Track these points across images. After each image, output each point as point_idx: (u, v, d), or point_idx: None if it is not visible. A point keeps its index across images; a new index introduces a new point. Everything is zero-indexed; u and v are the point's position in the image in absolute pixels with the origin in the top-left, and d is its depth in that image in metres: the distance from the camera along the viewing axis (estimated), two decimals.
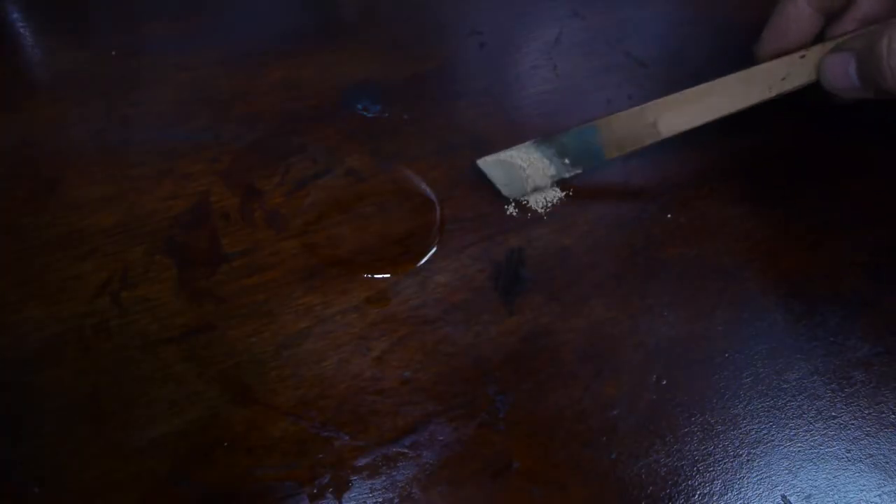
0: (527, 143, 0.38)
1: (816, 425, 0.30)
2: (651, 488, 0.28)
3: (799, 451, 0.30)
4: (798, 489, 0.29)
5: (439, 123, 0.42)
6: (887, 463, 0.29)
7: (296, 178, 0.39)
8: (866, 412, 0.31)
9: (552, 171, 0.38)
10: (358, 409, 0.30)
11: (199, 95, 0.44)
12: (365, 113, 0.43)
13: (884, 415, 0.31)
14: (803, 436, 0.30)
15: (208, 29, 0.49)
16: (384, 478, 0.28)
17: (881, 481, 0.29)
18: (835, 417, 0.31)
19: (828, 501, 0.28)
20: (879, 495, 0.29)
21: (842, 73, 0.27)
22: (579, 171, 0.38)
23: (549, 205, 0.38)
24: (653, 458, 0.29)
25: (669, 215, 0.37)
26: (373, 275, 0.35)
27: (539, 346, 0.32)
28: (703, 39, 0.48)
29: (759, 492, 0.28)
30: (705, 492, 0.28)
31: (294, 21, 0.50)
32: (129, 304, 0.33)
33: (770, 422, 0.30)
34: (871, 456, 0.30)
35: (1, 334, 0.32)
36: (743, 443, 0.30)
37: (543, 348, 0.32)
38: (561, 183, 0.39)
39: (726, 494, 0.28)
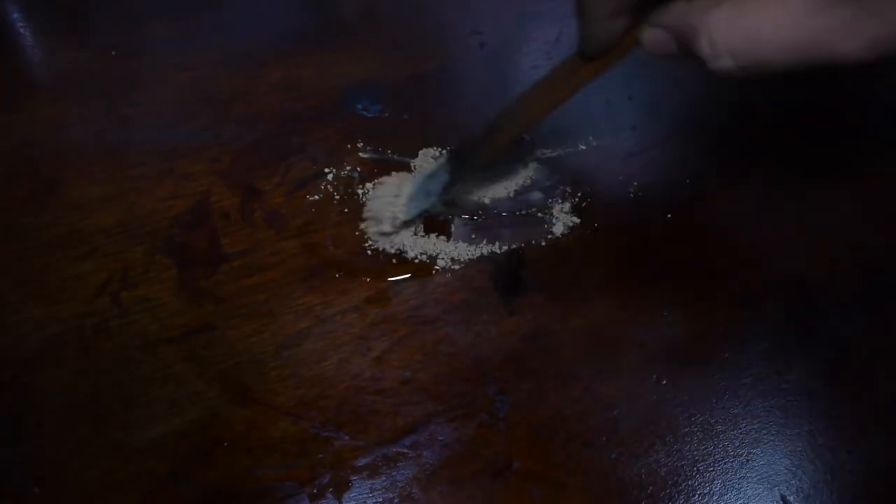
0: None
1: (816, 425, 0.30)
2: (651, 488, 0.28)
3: (799, 451, 0.30)
4: (798, 489, 0.29)
5: (439, 123, 0.42)
6: (887, 463, 0.29)
7: (296, 178, 0.39)
8: (866, 412, 0.31)
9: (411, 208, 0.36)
10: (358, 409, 0.30)
11: (199, 95, 0.44)
12: (365, 113, 0.43)
13: (884, 415, 0.31)
14: (803, 436, 0.30)
15: (208, 29, 0.49)
16: (384, 478, 0.28)
17: (881, 482, 0.29)
18: (835, 417, 0.31)
19: (827, 501, 0.28)
20: (879, 496, 0.29)
21: (663, 48, 0.27)
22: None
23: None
24: (653, 458, 0.29)
25: (669, 215, 0.37)
26: (373, 276, 0.35)
27: (539, 346, 0.32)
28: None
29: (758, 491, 0.28)
30: (705, 492, 0.28)
31: (294, 21, 0.50)
32: (129, 304, 0.33)
33: (770, 422, 0.30)
34: (871, 456, 0.30)
35: (1, 334, 0.32)
36: (743, 443, 0.30)
37: (543, 348, 0.32)
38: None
39: (726, 494, 0.28)
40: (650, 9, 0.26)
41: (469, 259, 0.35)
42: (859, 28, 0.21)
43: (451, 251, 0.35)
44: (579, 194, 0.38)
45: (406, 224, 0.36)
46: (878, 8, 0.20)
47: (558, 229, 0.37)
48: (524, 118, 0.33)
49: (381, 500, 0.28)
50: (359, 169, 0.39)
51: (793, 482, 0.29)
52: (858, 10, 0.20)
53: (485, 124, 0.34)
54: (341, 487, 0.28)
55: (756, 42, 0.22)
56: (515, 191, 0.38)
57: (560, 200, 0.38)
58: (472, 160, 0.35)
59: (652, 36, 0.26)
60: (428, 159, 0.40)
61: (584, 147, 0.41)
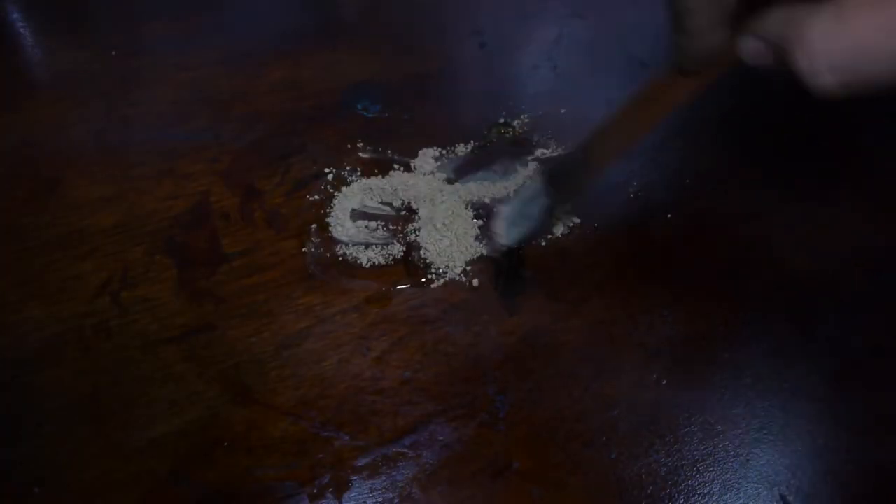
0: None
1: (816, 425, 0.30)
2: (651, 488, 0.28)
3: (799, 451, 0.30)
4: (798, 489, 0.29)
5: (439, 123, 0.42)
6: (887, 463, 0.29)
7: (296, 178, 0.39)
8: (866, 412, 0.31)
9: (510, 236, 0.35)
10: (358, 409, 0.30)
11: (199, 95, 0.44)
12: (365, 113, 0.43)
13: (884, 415, 0.31)
14: (803, 436, 0.30)
15: (208, 29, 0.49)
16: (384, 478, 0.28)
17: (881, 481, 0.29)
18: (835, 417, 0.30)
19: (827, 501, 0.28)
20: (879, 496, 0.29)
21: (763, 59, 0.25)
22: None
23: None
24: (653, 458, 0.29)
25: (669, 215, 0.37)
26: (373, 277, 0.35)
27: (539, 346, 0.32)
28: None
29: (758, 491, 0.28)
30: (705, 492, 0.28)
31: (294, 21, 0.50)
32: (129, 304, 0.33)
33: (770, 422, 0.30)
34: (871, 456, 0.30)
35: (1, 334, 0.32)
36: (743, 443, 0.30)
37: (543, 348, 0.32)
38: None
39: (726, 494, 0.28)
40: (749, 17, 0.24)
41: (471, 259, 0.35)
42: None
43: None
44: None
45: (508, 249, 0.35)
46: None
47: (558, 229, 0.37)
48: (622, 139, 0.31)
49: (381, 500, 0.28)
50: (359, 169, 0.39)
51: (793, 482, 0.29)
52: None
53: (581, 147, 0.33)
54: (341, 487, 0.28)
55: (860, 54, 0.20)
56: (516, 191, 0.38)
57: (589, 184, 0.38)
58: (570, 184, 0.34)
59: (751, 47, 0.24)
60: (428, 159, 0.40)
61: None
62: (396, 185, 0.38)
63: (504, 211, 0.35)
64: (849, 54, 0.20)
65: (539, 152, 0.40)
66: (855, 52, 0.20)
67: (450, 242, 0.35)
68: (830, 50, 0.21)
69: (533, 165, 0.40)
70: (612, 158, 0.32)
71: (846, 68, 0.21)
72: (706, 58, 0.26)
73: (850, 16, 0.20)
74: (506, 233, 0.34)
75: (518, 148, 0.41)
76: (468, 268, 0.35)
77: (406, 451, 0.29)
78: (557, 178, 0.33)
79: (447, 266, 0.35)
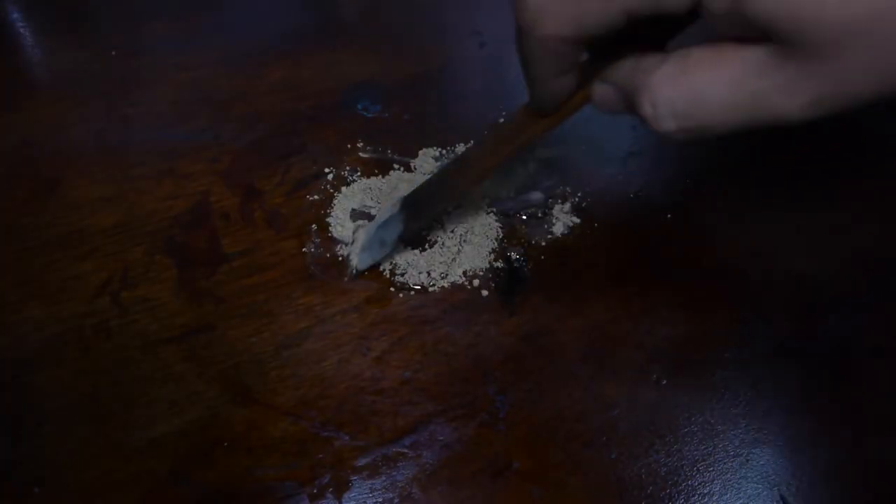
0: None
1: (816, 425, 0.30)
2: (651, 488, 0.28)
3: (799, 451, 0.30)
4: (798, 489, 0.29)
5: (439, 123, 0.42)
6: (887, 463, 0.29)
7: (296, 178, 0.39)
8: (866, 412, 0.31)
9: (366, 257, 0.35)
10: (358, 409, 0.30)
11: (199, 95, 0.44)
12: (365, 113, 0.43)
13: (884, 415, 0.31)
14: (803, 436, 0.30)
15: (208, 29, 0.49)
16: (384, 478, 0.28)
17: (881, 482, 0.29)
18: (835, 417, 0.31)
19: (827, 501, 0.28)
20: (879, 496, 0.29)
21: (613, 105, 0.26)
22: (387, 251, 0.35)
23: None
24: (653, 458, 0.29)
25: (669, 215, 0.37)
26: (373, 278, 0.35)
27: (539, 346, 0.32)
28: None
29: (758, 491, 0.28)
30: (705, 492, 0.28)
31: (294, 21, 0.50)
32: (129, 304, 0.33)
33: (770, 422, 0.30)
34: (872, 456, 0.30)
35: (1, 334, 0.32)
36: (743, 443, 0.30)
37: (543, 348, 0.32)
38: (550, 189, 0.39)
39: (726, 494, 0.28)
40: (602, 65, 0.25)
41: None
42: (801, 88, 0.20)
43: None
44: (579, 194, 0.38)
45: (358, 272, 0.35)
46: (819, 66, 0.20)
47: (558, 229, 0.37)
48: (476, 171, 0.32)
49: (381, 500, 0.28)
50: (359, 169, 0.39)
51: (793, 482, 0.29)
52: (799, 70, 0.20)
53: (438, 174, 0.34)
54: (341, 487, 0.28)
55: (697, 103, 0.22)
56: (515, 191, 0.38)
57: (560, 200, 0.38)
58: (424, 210, 0.34)
59: (600, 92, 0.26)
60: (428, 159, 0.40)
61: (584, 147, 0.41)
62: (396, 185, 0.38)
63: (360, 236, 0.35)
64: (688, 102, 0.22)
65: (539, 152, 0.40)
66: (694, 100, 0.22)
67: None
68: (672, 97, 0.22)
69: (533, 165, 0.40)
70: (465, 187, 0.33)
71: (686, 115, 0.22)
72: (553, 103, 0.27)
73: (692, 67, 0.22)
74: (358, 258, 0.34)
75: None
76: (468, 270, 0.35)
77: (406, 451, 0.29)
78: (413, 205, 0.34)
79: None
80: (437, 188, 0.34)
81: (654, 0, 0.21)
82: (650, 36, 0.24)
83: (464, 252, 0.35)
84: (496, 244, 0.36)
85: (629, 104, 0.24)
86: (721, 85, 0.21)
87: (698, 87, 0.22)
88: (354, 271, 0.35)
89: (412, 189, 0.34)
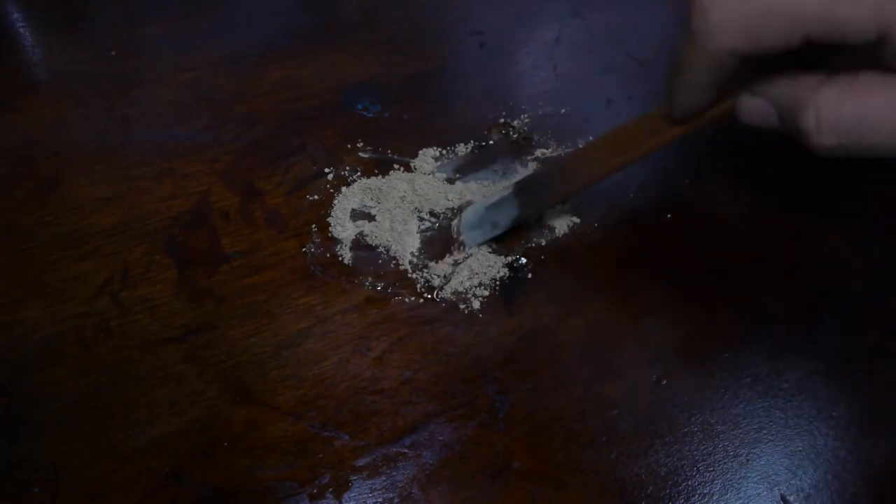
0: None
1: (816, 425, 0.30)
2: (651, 488, 0.28)
3: (799, 451, 0.30)
4: (798, 489, 0.29)
5: (439, 123, 0.42)
6: (887, 463, 0.29)
7: (296, 178, 0.39)
8: (866, 412, 0.31)
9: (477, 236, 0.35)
10: (358, 409, 0.30)
11: (199, 95, 0.44)
12: (365, 113, 0.43)
13: (884, 415, 0.31)
14: (803, 436, 0.30)
15: (208, 29, 0.49)
16: (384, 478, 0.28)
17: (881, 482, 0.29)
18: (835, 417, 0.31)
19: (827, 501, 0.28)
20: (879, 496, 0.29)
21: (762, 118, 0.27)
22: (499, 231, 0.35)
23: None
24: (653, 458, 0.29)
25: (669, 215, 0.37)
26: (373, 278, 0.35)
27: (539, 346, 0.32)
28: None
29: (758, 491, 0.28)
30: (705, 492, 0.28)
31: (294, 21, 0.50)
32: (129, 304, 0.33)
33: (770, 422, 0.30)
34: (872, 456, 0.30)
35: (1, 334, 0.32)
36: (743, 443, 0.30)
37: (543, 348, 0.32)
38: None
39: (726, 494, 0.28)
40: (751, 81, 0.26)
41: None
42: None
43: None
44: (579, 194, 0.38)
45: (468, 248, 0.35)
46: None
47: (558, 229, 0.37)
48: (599, 166, 0.32)
49: (381, 500, 0.28)
50: (359, 169, 0.39)
51: (793, 482, 0.29)
52: None
53: (556, 163, 0.33)
54: (341, 487, 0.28)
55: (863, 123, 0.23)
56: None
57: (560, 200, 0.38)
58: (541, 199, 0.34)
59: (752, 105, 0.26)
60: (428, 159, 0.40)
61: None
62: (396, 185, 0.38)
63: (468, 213, 0.35)
64: (853, 120, 0.23)
65: (539, 152, 0.40)
66: (859, 119, 0.23)
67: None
68: (838, 113, 0.23)
69: (533, 165, 0.40)
70: (586, 182, 0.33)
71: (849, 132, 0.23)
72: (696, 112, 0.28)
73: (861, 88, 0.23)
74: (466, 235, 0.34)
75: (518, 148, 0.41)
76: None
77: (406, 451, 0.29)
78: (528, 190, 0.34)
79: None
80: (554, 178, 0.33)
81: (839, 31, 0.22)
82: (807, 59, 0.25)
83: (473, 258, 0.35)
84: (504, 253, 0.36)
85: (783, 118, 0.25)
86: (889, 110, 0.22)
87: (867, 107, 0.23)
88: (464, 247, 0.35)
89: (525, 175, 0.34)
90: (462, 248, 0.35)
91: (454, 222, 0.36)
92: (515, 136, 0.41)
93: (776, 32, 0.23)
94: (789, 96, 0.25)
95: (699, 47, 0.24)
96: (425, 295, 0.34)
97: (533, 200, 0.34)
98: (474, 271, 0.34)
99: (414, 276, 0.35)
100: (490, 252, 0.35)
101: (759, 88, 0.26)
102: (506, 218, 0.34)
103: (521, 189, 0.34)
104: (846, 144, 0.23)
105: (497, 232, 0.35)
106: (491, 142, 0.41)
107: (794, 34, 0.22)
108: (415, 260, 0.35)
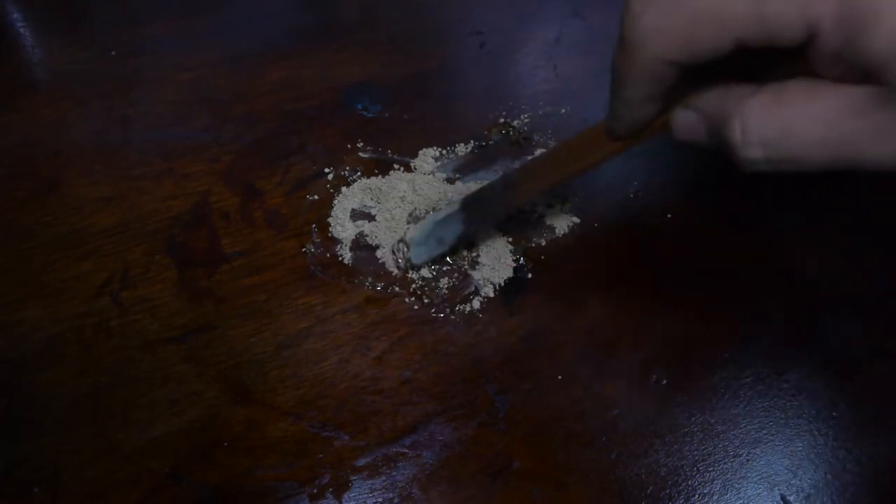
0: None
1: (816, 425, 0.30)
2: (651, 488, 0.28)
3: (799, 451, 0.30)
4: (798, 489, 0.29)
5: (439, 123, 0.42)
6: (887, 463, 0.29)
7: (296, 178, 0.39)
8: (866, 412, 0.31)
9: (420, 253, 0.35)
10: (358, 409, 0.30)
11: (199, 95, 0.44)
12: (365, 113, 0.43)
13: (884, 415, 0.31)
14: (803, 436, 0.30)
15: (208, 29, 0.49)
16: (384, 478, 0.28)
17: (881, 481, 0.29)
18: (835, 417, 0.31)
19: (827, 501, 0.28)
20: (879, 496, 0.29)
21: (693, 132, 0.26)
22: (444, 249, 0.35)
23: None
24: (653, 458, 0.29)
25: (669, 215, 0.37)
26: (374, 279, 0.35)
27: (539, 346, 0.32)
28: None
29: (758, 491, 0.28)
30: (705, 492, 0.28)
31: (294, 21, 0.50)
32: (129, 304, 0.33)
33: (770, 422, 0.30)
34: (872, 456, 0.30)
35: (1, 334, 0.32)
36: (743, 443, 0.30)
37: (543, 348, 0.32)
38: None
39: (726, 494, 0.28)
40: (684, 93, 0.25)
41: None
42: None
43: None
44: (579, 194, 0.38)
45: (413, 266, 0.34)
46: None
47: (558, 229, 0.37)
48: (542, 181, 0.32)
49: (381, 500, 0.28)
50: (359, 169, 0.39)
51: (793, 482, 0.29)
52: None
53: (501, 179, 0.33)
54: (341, 487, 0.28)
55: (788, 134, 0.22)
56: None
57: (560, 200, 0.38)
58: (486, 214, 0.34)
59: (683, 118, 0.26)
60: (428, 159, 0.40)
61: None
62: (396, 185, 0.38)
63: (416, 229, 0.35)
64: (780, 132, 0.22)
65: (539, 152, 0.40)
66: (786, 131, 0.22)
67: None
68: (764, 125, 0.22)
69: None
70: (531, 196, 0.33)
71: (775, 145, 0.22)
72: (634, 127, 0.27)
73: (787, 99, 0.22)
74: (413, 251, 0.34)
75: (518, 148, 0.41)
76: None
77: (406, 451, 0.29)
78: (474, 206, 0.33)
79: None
80: (499, 193, 0.33)
81: (768, 31, 0.21)
82: (741, 69, 0.24)
83: (480, 265, 0.35)
84: (511, 259, 0.35)
85: (712, 132, 0.25)
86: (815, 120, 0.21)
87: (792, 119, 0.22)
88: (409, 264, 0.34)
89: (473, 191, 0.34)
90: (408, 264, 0.35)
91: (403, 237, 0.35)
92: (515, 136, 0.41)
93: (707, 37, 0.22)
94: (718, 108, 0.24)
95: (632, 58, 0.24)
96: (424, 299, 0.34)
97: (478, 216, 0.34)
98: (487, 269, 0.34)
99: (413, 276, 0.35)
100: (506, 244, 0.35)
101: (692, 100, 0.25)
102: (451, 234, 0.34)
103: (468, 205, 0.34)
104: (772, 158, 0.22)
105: (443, 248, 0.34)
106: (491, 142, 0.41)
107: (725, 38, 0.22)
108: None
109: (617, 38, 0.24)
